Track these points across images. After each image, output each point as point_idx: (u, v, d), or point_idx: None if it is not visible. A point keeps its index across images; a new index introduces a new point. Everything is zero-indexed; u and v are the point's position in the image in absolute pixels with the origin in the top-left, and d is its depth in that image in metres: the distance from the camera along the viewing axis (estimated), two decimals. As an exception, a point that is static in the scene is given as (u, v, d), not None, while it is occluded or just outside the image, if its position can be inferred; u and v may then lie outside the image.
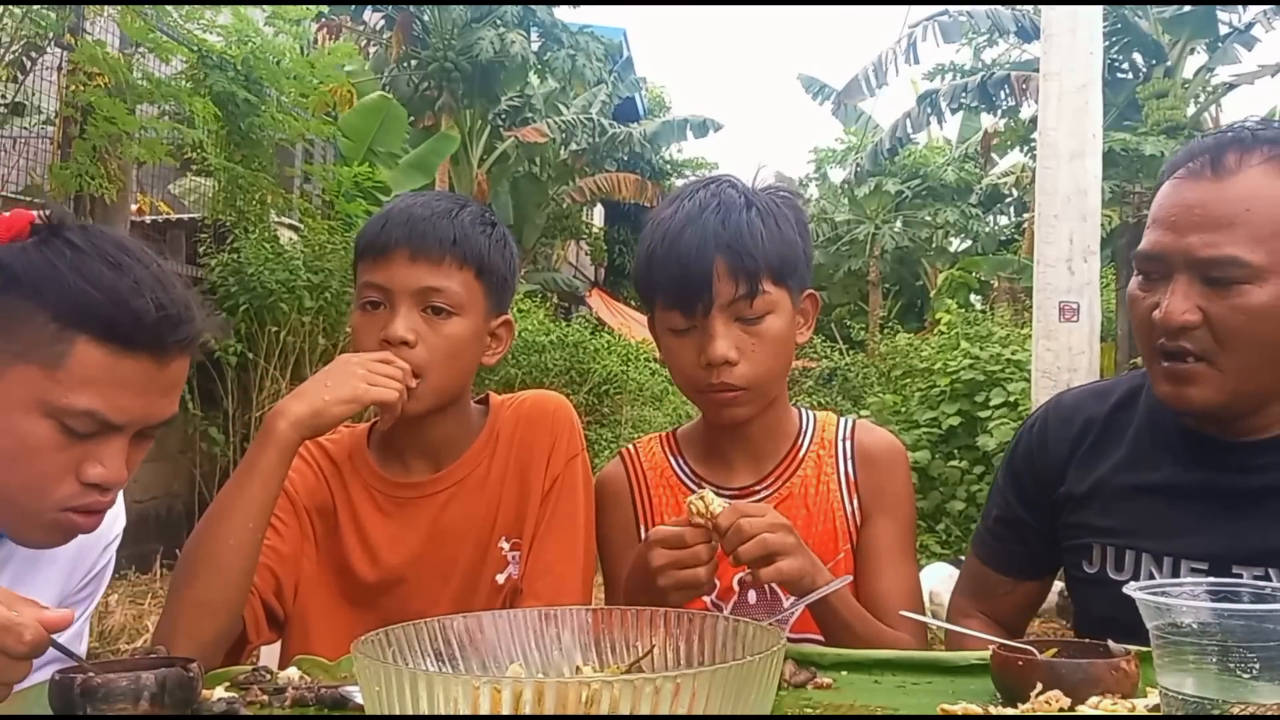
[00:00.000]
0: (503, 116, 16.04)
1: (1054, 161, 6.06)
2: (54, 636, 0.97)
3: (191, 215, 8.15)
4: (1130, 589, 0.94)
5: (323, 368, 1.44)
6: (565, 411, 1.59)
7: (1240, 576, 1.27)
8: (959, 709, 0.98)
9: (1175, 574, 1.33)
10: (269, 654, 1.54)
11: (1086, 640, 1.11)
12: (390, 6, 14.72)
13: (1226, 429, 1.33)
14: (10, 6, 5.82)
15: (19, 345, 1.09)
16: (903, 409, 8.16)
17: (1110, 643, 1.06)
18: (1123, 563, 1.38)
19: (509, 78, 15.01)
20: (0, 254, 1.12)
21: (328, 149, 9.12)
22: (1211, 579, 0.99)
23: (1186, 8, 12.82)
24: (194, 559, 1.33)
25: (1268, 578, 1.26)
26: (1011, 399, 7.18)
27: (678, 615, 1.03)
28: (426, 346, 1.44)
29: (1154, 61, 13.46)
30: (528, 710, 0.76)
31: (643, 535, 1.56)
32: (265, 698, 1.09)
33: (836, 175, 23.42)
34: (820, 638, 1.42)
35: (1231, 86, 13.23)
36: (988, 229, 20.44)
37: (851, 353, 15.68)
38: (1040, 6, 7.05)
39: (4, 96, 6.33)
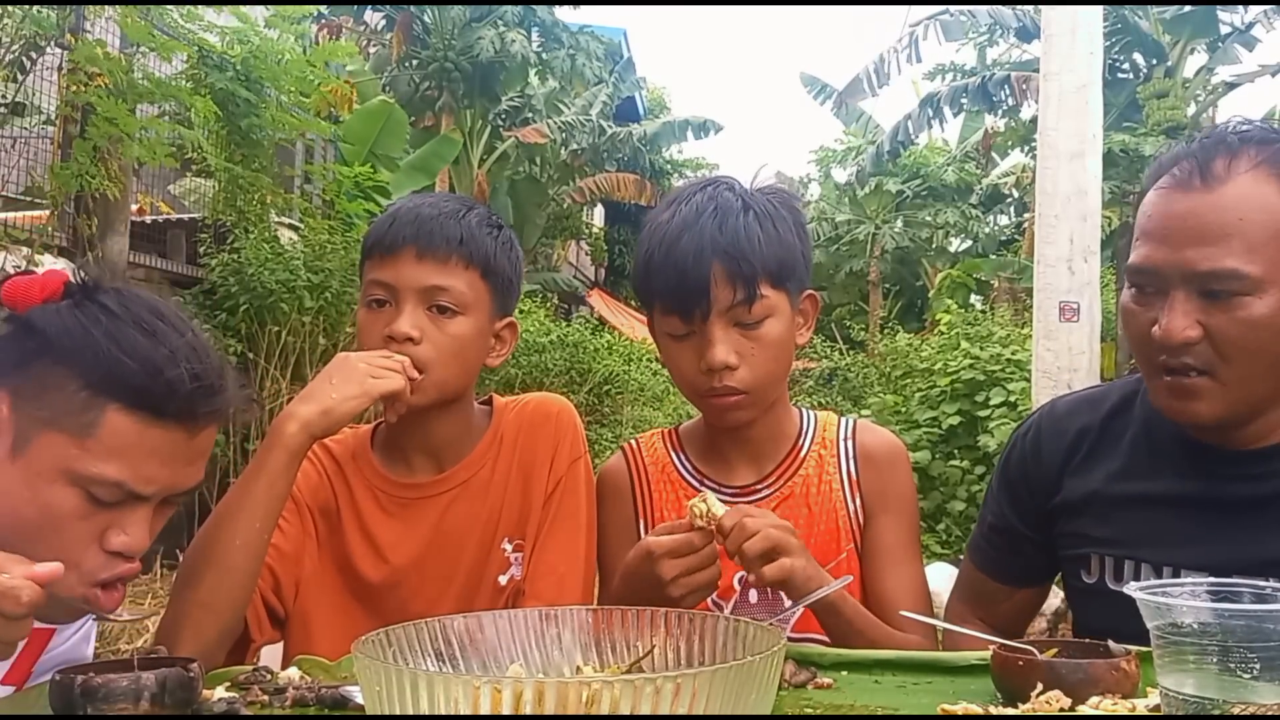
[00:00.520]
0: (503, 117, 16.04)
1: (1054, 161, 6.06)
2: (64, 632, 0.97)
3: (192, 215, 8.15)
4: (1130, 589, 0.94)
5: (323, 367, 1.44)
6: (569, 414, 1.60)
7: (1246, 599, 1.27)
8: (959, 709, 0.98)
9: None
10: (270, 654, 1.54)
11: (1087, 640, 1.11)
12: (390, 6, 14.72)
13: (1225, 437, 1.32)
14: (10, 6, 5.82)
15: (48, 412, 1.08)
16: (903, 409, 8.16)
17: (1110, 643, 1.06)
18: (1122, 572, 1.37)
19: (509, 78, 15.01)
20: (34, 317, 1.11)
21: (328, 149, 9.12)
22: (1212, 579, 0.99)
23: (1186, 8, 12.82)
24: (200, 559, 1.33)
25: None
26: (1012, 399, 7.18)
27: (678, 615, 1.03)
28: (431, 344, 1.44)
29: (1154, 61, 13.46)
30: (528, 710, 0.76)
31: (642, 530, 1.56)
32: (265, 698, 1.09)
33: (837, 175, 23.42)
34: (821, 638, 1.42)
35: (1232, 86, 13.24)
36: (988, 229, 20.44)
37: (852, 353, 15.68)
38: (1040, 6, 7.05)
39: (4, 96, 6.33)
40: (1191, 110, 13.06)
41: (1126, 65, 13.81)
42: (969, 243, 20.83)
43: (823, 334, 17.37)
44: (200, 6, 6.72)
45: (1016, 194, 18.94)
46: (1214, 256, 1.20)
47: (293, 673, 1.16)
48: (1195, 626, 0.89)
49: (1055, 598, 1.68)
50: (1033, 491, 1.49)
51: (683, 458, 1.60)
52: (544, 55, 15.46)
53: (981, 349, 7.78)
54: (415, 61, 14.59)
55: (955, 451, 7.41)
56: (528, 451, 1.56)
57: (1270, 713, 0.84)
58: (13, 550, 1.09)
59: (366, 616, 1.47)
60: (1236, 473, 1.32)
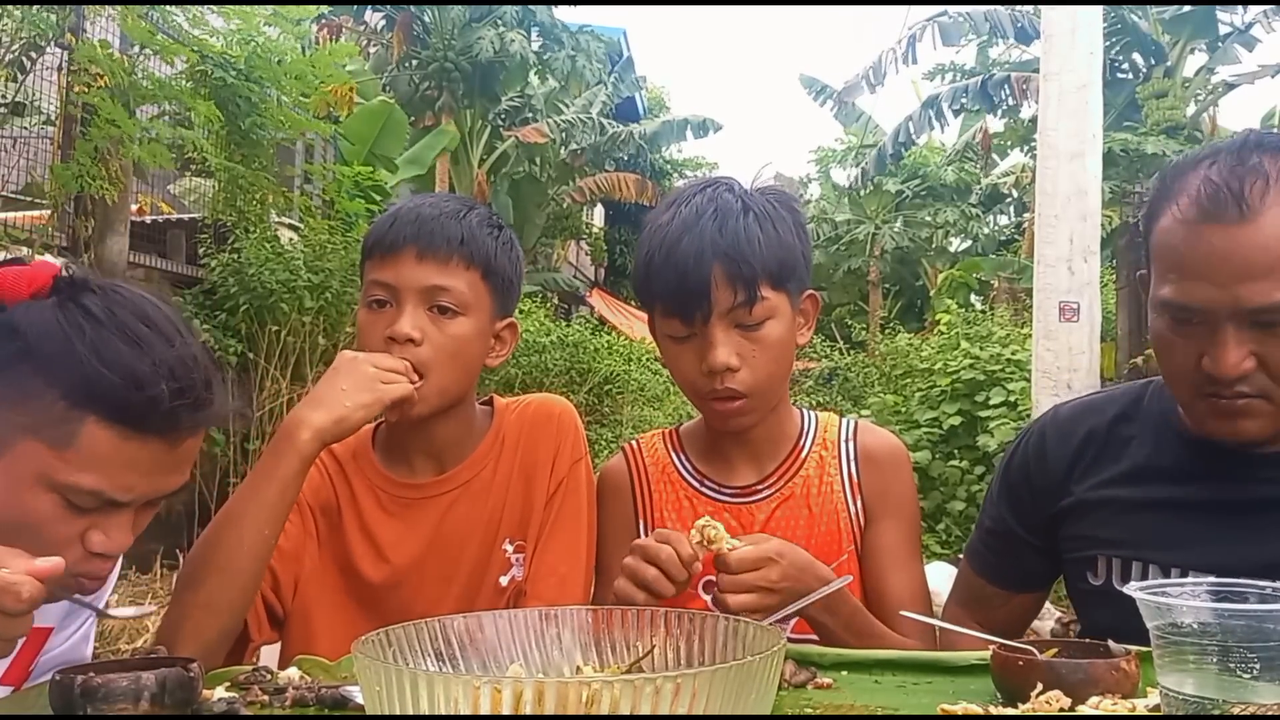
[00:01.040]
0: (503, 116, 16.04)
1: (1054, 161, 6.06)
2: (64, 632, 0.97)
3: (192, 215, 8.15)
4: (1130, 588, 0.94)
5: (326, 368, 1.44)
6: (570, 416, 1.60)
7: (1246, 599, 1.26)
8: (959, 709, 0.98)
9: None
10: (269, 654, 1.54)
11: (1087, 640, 1.11)
12: (390, 6, 14.72)
13: (1244, 445, 1.32)
14: (10, 6, 5.81)
15: (27, 419, 1.07)
16: (903, 409, 8.16)
17: (1110, 643, 1.06)
18: (1129, 573, 1.37)
19: (509, 78, 15.01)
20: (17, 317, 1.08)
21: (328, 149, 9.12)
22: (1212, 579, 0.99)
23: (1186, 8, 12.82)
24: (204, 562, 1.33)
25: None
26: (1012, 399, 7.18)
27: (678, 615, 1.03)
28: (431, 345, 1.44)
29: (1154, 61, 13.46)
30: (528, 710, 0.76)
31: (642, 531, 1.57)
32: (265, 698, 1.09)
33: (837, 175, 23.42)
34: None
35: (1231, 86, 13.23)
36: (988, 229, 20.44)
37: (852, 353, 15.67)
38: (1040, 7, 7.05)
39: (4, 96, 6.33)
40: (1191, 110, 13.06)
41: (1126, 65, 13.81)
42: (969, 243, 20.83)
43: (823, 334, 17.38)
44: (203, 9, 6.72)
45: (1016, 194, 18.93)
46: (1266, 291, 1.18)
47: (293, 673, 1.16)
48: (1195, 626, 0.89)
49: (1050, 619, 1.68)
50: (1036, 497, 1.49)
51: (683, 458, 1.60)
52: (544, 55, 15.46)
53: (981, 349, 7.78)
54: (415, 61, 14.59)
55: (955, 451, 7.41)
56: (529, 453, 1.56)
57: (1270, 713, 0.84)
58: None
59: (367, 617, 1.47)
60: (1244, 475, 1.32)
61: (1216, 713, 0.86)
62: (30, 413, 1.06)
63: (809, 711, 1.04)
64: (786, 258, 1.45)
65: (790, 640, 1.18)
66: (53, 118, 6.68)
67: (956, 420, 7.41)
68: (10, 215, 6.50)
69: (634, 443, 1.66)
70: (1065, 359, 5.95)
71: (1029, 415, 6.38)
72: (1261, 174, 1.20)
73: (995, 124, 16.12)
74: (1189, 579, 0.99)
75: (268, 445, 1.38)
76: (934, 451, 7.41)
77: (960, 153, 19.55)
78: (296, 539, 1.51)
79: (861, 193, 20.42)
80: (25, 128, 6.90)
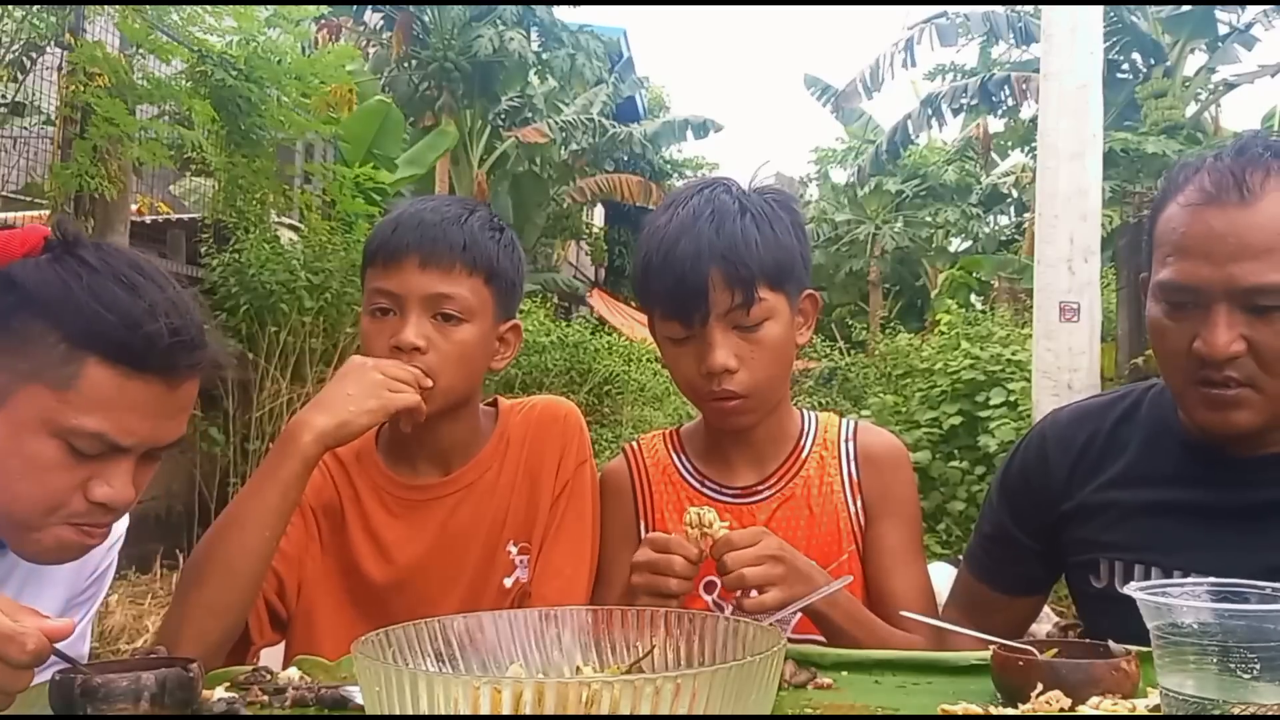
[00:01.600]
0: (503, 116, 16.03)
1: (1054, 161, 6.05)
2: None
3: (191, 215, 8.15)
4: (1130, 588, 0.94)
5: (326, 368, 1.44)
6: (575, 418, 1.60)
7: (1247, 599, 1.27)
8: (959, 709, 0.99)
9: None
10: (271, 654, 1.54)
11: (1087, 640, 1.11)
12: (390, 6, 14.71)
13: (1239, 445, 1.33)
14: (10, 6, 5.82)
15: (29, 365, 1.09)
16: (903, 409, 8.15)
17: (1111, 643, 1.06)
18: (1132, 576, 1.37)
19: (509, 77, 15.00)
20: (14, 271, 1.11)
21: (328, 149, 9.12)
22: (1212, 579, 0.99)
23: (1186, 8, 12.82)
24: (206, 564, 1.33)
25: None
26: (1012, 399, 7.17)
27: (678, 615, 1.03)
28: (437, 353, 1.44)
29: (1154, 61, 13.45)
30: (528, 710, 0.76)
31: (642, 532, 1.57)
32: (265, 698, 1.09)
33: (837, 175, 23.42)
34: (822, 638, 1.42)
35: (1231, 86, 13.23)
36: (988, 229, 20.43)
37: (852, 353, 15.67)
38: (1040, 6, 7.05)
39: (4, 96, 6.33)
40: (1191, 110, 13.06)
41: (1126, 65, 13.80)
42: (969, 243, 20.81)
43: (823, 334, 17.37)
44: (201, 8, 6.72)
45: (1016, 194, 18.93)
46: (1259, 271, 1.21)
47: (293, 673, 1.16)
48: (1195, 627, 0.89)
49: (1048, 623, 1.68)
50: (1036, 501, 1.49)
51: (684, 459, 1.60)
52: (543, 55, 15.46)
53: (982, 349, 7.77)
54: (415, 61, 14.58)
55: (955, 452, 7.40)
56: (535, 455, 1.56)
57: (1270, 713, 0.84)
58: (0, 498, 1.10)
59: (370, 618, 1.47)
60: (1244, 479, 1.33)
61: (1216, 713, 0.86)
62: (31, 357, 1.08)
63: (809, 711, 1.04)
64: (784, 258, 1.45)
65: (790, 640, 1.18)
66: (52, 118, 6.68)
67: (957, 420, 7.41)
68: (10, 215, 6.50)
69: (634, 443, 1.66)
70: (1065, 359, 5.94)
71: (1029, 415, 6.38)
72: (1262, 164, 1.23)
73: (995, 124, 16.12)
74: (1189, 579, 0.99)
75: (271, 447, 1.38)
76: (934, 452, 7.40)
77: (960, 153, 19.55)
78: (299, 541, 1.51)
79: (861, 193, 20.42)
80: (25, 128, 6.90)
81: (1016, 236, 18.53)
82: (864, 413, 8.96)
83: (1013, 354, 7.56)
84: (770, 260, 1.43)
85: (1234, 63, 13.18)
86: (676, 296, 1.42)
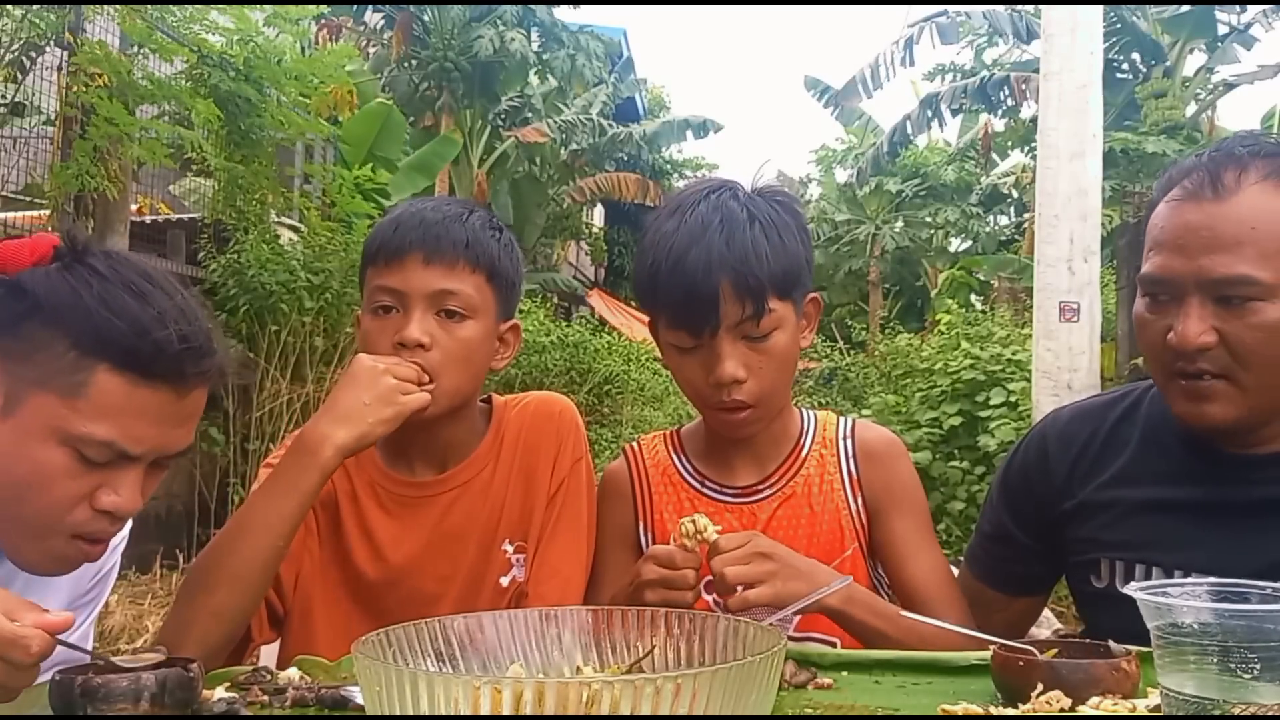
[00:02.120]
0: (503, 116, 16.04)
1: (1054, 161, 6.05)
2: (64, 633, 0.97)
3: (192, 215, 8.15)
4: (1130, 589, 0.94)
5: (326, 368, 1.44)
6: (570, 414, 1.60)
7: (1247, 599, 1.27)
8: (959, 709, 0.98)
9: None
10: (269, 654, 1.54)
11: (1087, 640, 1.11)
12: (390, 6, 14.71)
13: (1233, 441, 1.34)
14: (10, 6, 5.82)
15: (38, 373, 1.08)
16: (903, 409, 8.15)
17: (1111, 643, 1.06)
18: (1133, 576, 1.38)
19: (509, 78, 15.01)
20: (23, 279, 1.11)
21: (328, 149, 9.12)
22: (1212, 579, 0.99)
23: (1186, 8, 12.82)
24: (215, 570, 1.33)
25: None
26: (1012, 399, 7.17)
27: (678, 615, 1.03)
28: (441, 350, 1.44)
29: (1153, 61, 13.46)
30: (528, 710, 0.76)
31: (641, 532, 1.57)
32: (265, 698, 1.09)
33: (837, 175, 23.41)
34: (822, 637, 1.42)
35: (1231, 86, 13.23)
36: (988, 229, 20.43)
37: (852, 353, 15.68)
38: (1040, 6, 7.05)
39: (4, 96, 6.33)
40: (1191, 110, 13.06)
41: (1126, 65, 13.80)
42: (969, 242, 20.82)
43: (823, 334, 17.37)
44: (201, 7, 6.72)
45: (1016, 194, 18.93)
46: (1228, 263, 1.23)
47: (293, 673, 1.16)
48: (1195, 626, 0.89)
49: (1047, 629, 1.68)
50: (1037, 501, 1.50)
51: (684, 459, 1.60)
52: (544, 55, 15.46)
53: (982, 349, 7.77)
54: (415, 61, 14.59)
55: (956, 452, 7.40)
56: (530, 452, 1.56)
57: (1270, 713, 0.84)
58: (3, 507, 1.10)
59: (366, 615, 1.47)
60: (1244, 477, 1.33)
61: (1217, 713, 0.86)
62: (40, 365, 1.08)
63: (809, 711, 1.04)
64: (792, 266, 1.44)
65: (791, 640, 1.18)
66: (52, 118, 6.68)
67: (957, 420, 7.41)
68: (10, 215, 6.50)
69: (635, 444, 1.66)
70: (1065, 359, 5.94)
71: (1029, 415, 6.38)
72: (1240, 161, 1.27)
73: (995, 124, 16.12)
74: (1189, 579, 0.99)
75: (286, 457, 1.38)
76: (934, 452, 7.40)
77: (960, 153, 19.55)
78: (299, 537, 1.50)
79: (861, 193, 20.42)
80: (25, 128, 6.90)
81: (1016, 236, 18.54)
82: (864, 413, 8.96)
83: (1013, 354, 7.56)
84: (779, 270, 1.42)
85: (1233, 63, 13.18)
86: (686, 308, 1.41)
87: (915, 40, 14.00)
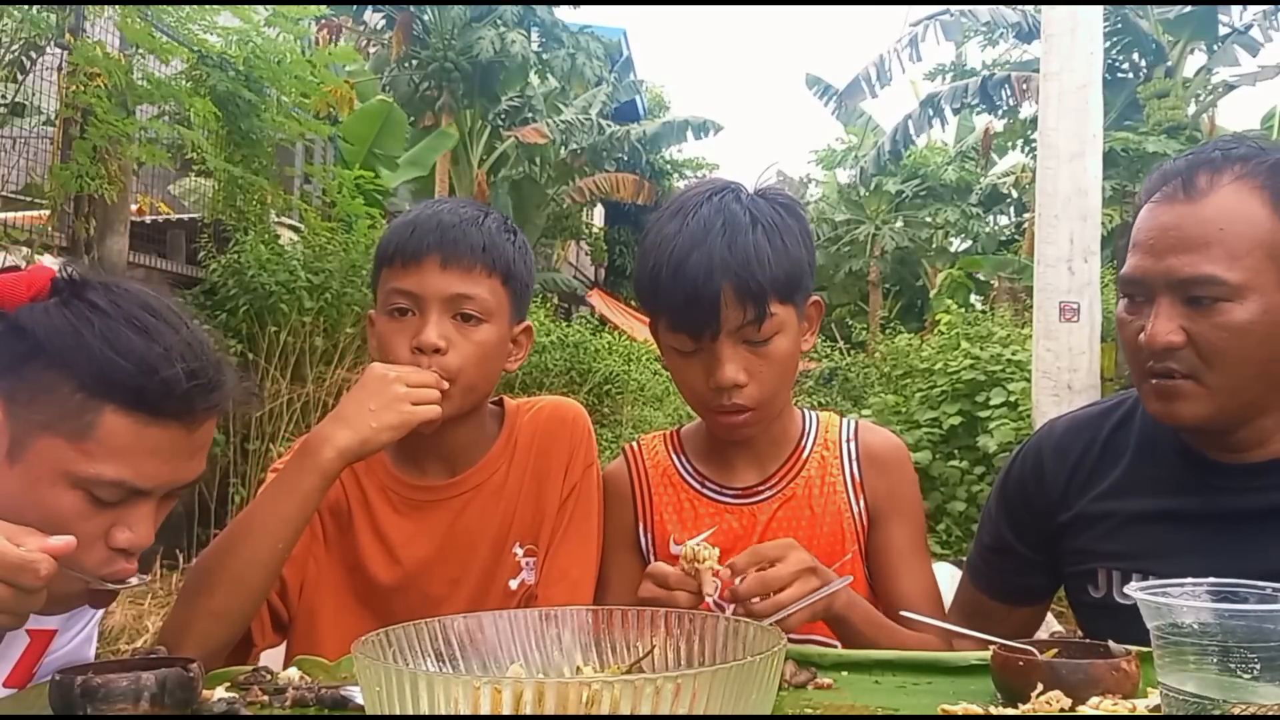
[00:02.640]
0: (502, 116, 16.04)
1: (1054, 161, 6.05)
2: (67, 634, 0.97)
3: (191, 215, 8.15)
4: (1130, 589, 0.94)
5: (326, 368, 1.44)
6: (583, 420, 1.60)
7: (1247, 600, 1.28)
8: (959, 709, 0.98)
9: None
10: (273, 656, 1.54)
11: (1087, 641, 1.11)
12: (390, 6, 14.72)
13: (1221, 445, 1.34)
14: (10, 6, 5.82)
15: (44, 416, 1.07)
16: (903, 409, 8.15)
17: (1111, 643, 1.06)
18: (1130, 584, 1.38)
19: (509, 78, 15.01)
20: (23, 319, 1.08)
21: (328, 149, 9.11)
22: (1212, 579, 0.99)
23: (1187, 8, 12.82)
24: (216, 571, 1.33)
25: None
26: (1012, 399, 7.17)
27: (678, 616, 1.03)
28: (458, 353, 1.44)
29: (1154, 62, 13.46)
30: (528, 710, 0.76)
31: (641, 532, 1.57)
32: (265, 698, 1.09)
33: (838, 175, 23.41)
34: (821, 638, 1.42)
35: (1231, 87, 13.24)
36: (988, 229, 20.44)
37: (852, 353, 15.67)
38: (1040, 6, 7.04)
39: (4, 96, 6.33)
40: (1192, 110, 13.07)
41: (1126, 65, 13.81)
42: (969, 243, 20.82)
43: (823, 334, 17.33)
44: (200, 7, 6.72)
45: (1016, 194, 18.93)
46: (1194, 264, 1.25)
47: (293, 673, 1.16)
48: (1195, 627, 0.89)
49: (1045, 632, 1.68)
50: (1034, 512, 1.50)
51: (684, 460, 1.60)
52: (544, 55, 15.46)
53: (982, 349, 7.77)
54: (415, 61, 14.59)
55: (955, 452, 7.41)
56: (543, 457, 1.56)
57: (1270, 713, 0.84)
58: None
59: (374, 619, 1.46)
60: (1237, 486, 1.34)
61: (1216, 713, 0.86)
62: (46, 408, 1.06)
63: (809, 711, 1.04)
64: (794, 270, 1.44)
65: (791, 640, 1.18)
66: (52, 118, 6.68)
67: (957, 420, 7.41)
68: (10, 215, 6.50)
69: (635, 445, 1.66)
70: (1065, 359, 5.94)
71: (1029, 416, 6.38)
72: (1212, 163, 1.29)
73: (995, 124, 16.13)
74: (1189, 580, 1.00)
75: (289, 460, 1.38)
76: (934, 452, 7.40)
77: (960, 153, 19.55)
78: (303, 542, 1.50)
79: (861, 193, 20.42)
80: (25, 128, 6.90)
81: (1016, 236, 18.54)
82: (864, 413, 8.96)
83: (1013, 354, 7.56)
84: (781, 274, 1.41)
85: (1234, 64, 13.19)
86: (687, 311, 1.41)
87: (921, 37, 14.02)
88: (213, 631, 1.30)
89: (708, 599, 1.25)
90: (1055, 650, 1.07)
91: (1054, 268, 6.02)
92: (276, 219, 7.67)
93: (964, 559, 1.69)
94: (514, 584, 1.52)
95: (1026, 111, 14.37)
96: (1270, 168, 1.27)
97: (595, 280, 22.33)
